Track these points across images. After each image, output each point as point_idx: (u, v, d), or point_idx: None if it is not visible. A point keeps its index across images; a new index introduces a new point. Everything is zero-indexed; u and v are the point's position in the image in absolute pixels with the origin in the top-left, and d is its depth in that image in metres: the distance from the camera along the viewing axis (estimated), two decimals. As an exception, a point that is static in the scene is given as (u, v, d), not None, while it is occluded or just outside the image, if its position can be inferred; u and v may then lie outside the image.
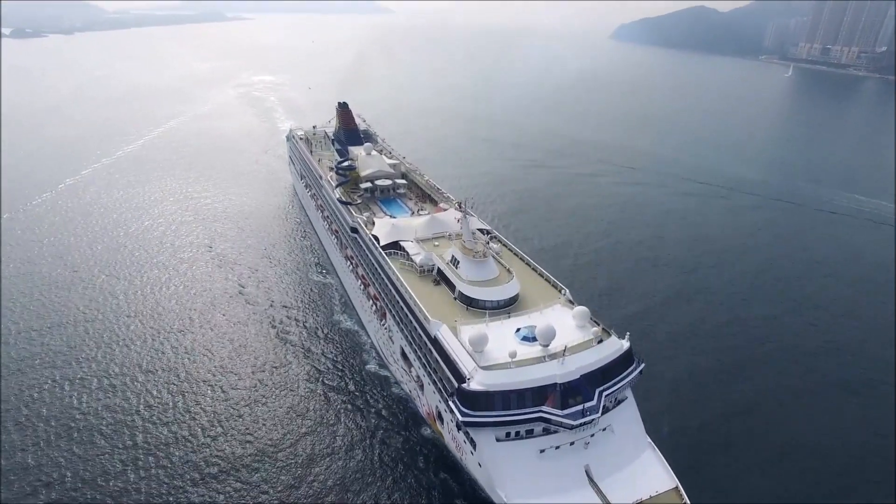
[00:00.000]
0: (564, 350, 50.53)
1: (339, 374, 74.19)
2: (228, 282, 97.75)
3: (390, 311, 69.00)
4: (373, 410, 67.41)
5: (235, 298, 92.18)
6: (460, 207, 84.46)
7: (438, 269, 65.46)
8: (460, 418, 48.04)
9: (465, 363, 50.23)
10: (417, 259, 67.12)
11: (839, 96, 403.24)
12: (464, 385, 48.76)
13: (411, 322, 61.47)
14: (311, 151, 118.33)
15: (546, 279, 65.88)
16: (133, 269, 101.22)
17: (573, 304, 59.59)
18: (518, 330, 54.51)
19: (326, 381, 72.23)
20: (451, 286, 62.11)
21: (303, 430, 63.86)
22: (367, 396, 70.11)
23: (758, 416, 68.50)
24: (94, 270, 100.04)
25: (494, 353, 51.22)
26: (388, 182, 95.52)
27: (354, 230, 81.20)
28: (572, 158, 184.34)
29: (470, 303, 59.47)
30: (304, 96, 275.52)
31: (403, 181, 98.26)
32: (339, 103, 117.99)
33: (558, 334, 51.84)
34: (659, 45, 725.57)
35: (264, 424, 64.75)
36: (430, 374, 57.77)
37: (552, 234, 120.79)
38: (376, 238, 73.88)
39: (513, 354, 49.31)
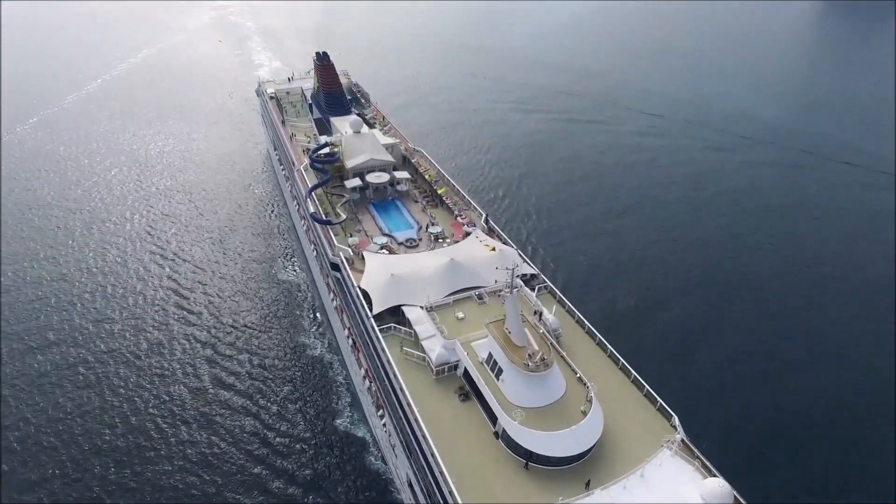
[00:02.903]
0: None
1: (299, 439, 55.89)
2: (161, 284, 76.28)
3: (391, 417, 45.56)
4: None
5: (166, 312, 71.43)
6: (487, 225, 60.02)
7: (466, 372, 41.15)
8: None
9: None
10: (433, 352, 42.19)
11: (873, 27, 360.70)
12: None
13: (424, 468, 38.19)
14: (284, 120, 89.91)
15: (636, 383, 41.51)
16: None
17: (694, 452, 35.82)
18: (615, 533, 31.29)
19: (279, 451, 54.54)
20: (491, 414, 38.06)
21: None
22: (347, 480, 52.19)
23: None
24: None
25: None
26: (385, 178, 68.98)
27: (336, 267, 55.97)
28: (597, 110, 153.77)
29: (528, 457, 35.71)
30: (284, 22, 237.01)
31: (405, 174, 71.40)
32: (318, 54, 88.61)
33: None
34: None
35: None
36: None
37: (593, 247, 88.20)
38: (366, 295, 48.88)
39: None
